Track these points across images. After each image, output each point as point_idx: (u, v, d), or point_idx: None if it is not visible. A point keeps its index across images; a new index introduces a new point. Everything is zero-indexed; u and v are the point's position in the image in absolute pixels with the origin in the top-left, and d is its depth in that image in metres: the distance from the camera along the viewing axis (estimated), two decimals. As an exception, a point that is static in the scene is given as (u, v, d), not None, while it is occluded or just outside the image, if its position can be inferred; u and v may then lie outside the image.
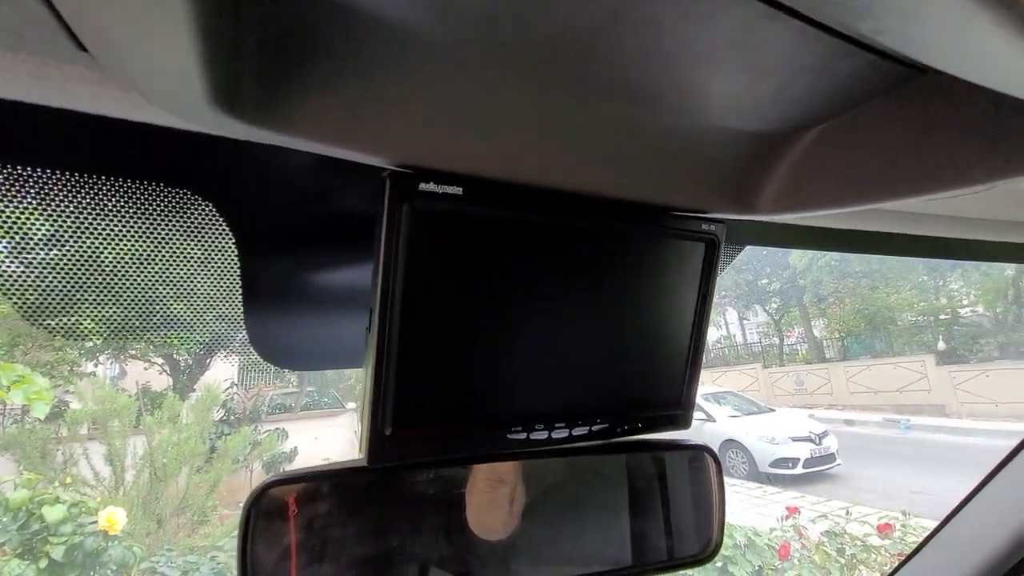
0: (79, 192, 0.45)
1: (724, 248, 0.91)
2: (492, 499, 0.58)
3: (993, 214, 0.75)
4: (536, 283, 0.48)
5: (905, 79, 0.41)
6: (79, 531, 3.76)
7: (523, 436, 0.50)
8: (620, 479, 0.64)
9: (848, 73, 0.40)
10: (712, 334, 26.22)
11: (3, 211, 0.45)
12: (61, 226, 0.49)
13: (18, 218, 0.46)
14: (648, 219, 0.52)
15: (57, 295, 0.52)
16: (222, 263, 0.55)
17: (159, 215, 0.50)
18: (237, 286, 0.56)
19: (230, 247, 0.53)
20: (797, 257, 20.07)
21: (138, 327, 0.58)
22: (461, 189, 0.42)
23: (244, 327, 0.59)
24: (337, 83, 0.34)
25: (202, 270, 0.56)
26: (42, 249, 0.48)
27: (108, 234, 0.49)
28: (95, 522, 3.84)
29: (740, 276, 22.45)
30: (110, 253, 0.51)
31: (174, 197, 0.49)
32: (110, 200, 0.47)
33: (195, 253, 0.54)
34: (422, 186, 0.41)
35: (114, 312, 0.56)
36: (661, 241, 0.54)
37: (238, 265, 0.54)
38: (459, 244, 0.44)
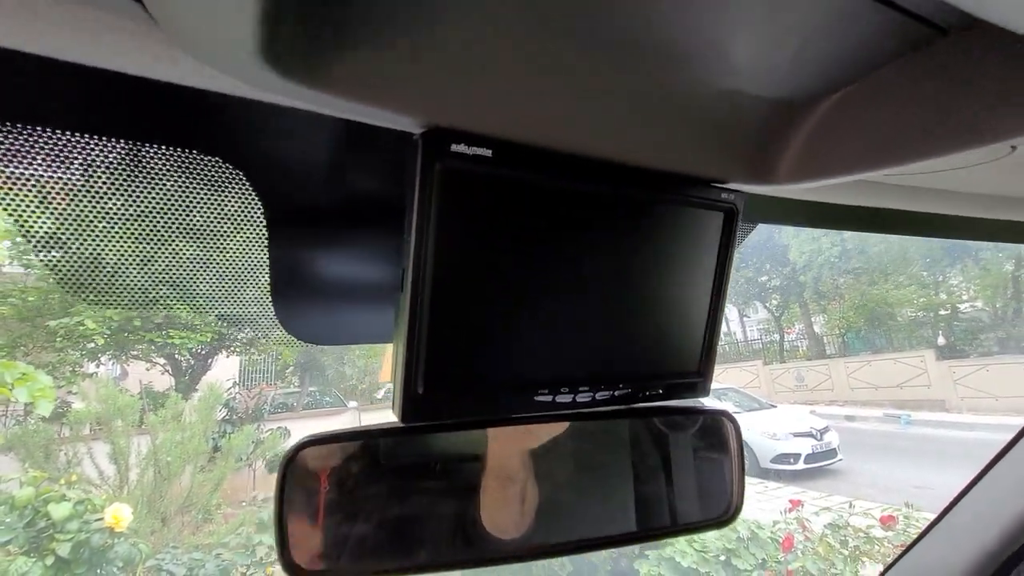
0: (109, 155, 0.46)
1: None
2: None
3: (1009, 190, 0.76)
4: (560, 247, 0.49)
5: (927, 40, 0.42)
6: (85, 528, 3.77)
7: (549, 399, 0.51)
8: (642, 444, 0.65)
9: (871, 34, 0.41)
10: (712, 331, 26.13)
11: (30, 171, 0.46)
12: (84, 189, 0.49)
13: (45, 181, 0.47)
14: (669, 187, 0.53)
15: (85, 263, 0.52)
16: (250, 234, 0.56)
17: (190, 182, 0.51)
18: (264, 258, 0.57)
19: (259, 218, 0.54)
20: (797, 253, 20.08)
21: (162, 298, 0.58)
22: (491, 152, 0.43)
23: (271, 301, 0.60)
24: (373, 41, 0.35)
25: (230, 241, 0.57)
26: (65, 216, 0.49)
27: (136, 199, 0.50)
28: (101, 519, 3.84)
29: (740, 273, 22.46)
30: (138, 219, 0.52)
31: (205, 165, 0.50)
32: (140, 164, 0.48)
33: (223, 225, 0.55)
34: (453, 147, 0.42)
35: (138, 283, 0.57)
36: (681, 209, 0.55)
37: (266, 236, 0.55)
38: (488, 206, 0.45)
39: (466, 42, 0.37)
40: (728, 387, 12.75)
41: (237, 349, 11.92)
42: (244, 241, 0.56)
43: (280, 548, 0.47)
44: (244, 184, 0.52)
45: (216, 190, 0.52)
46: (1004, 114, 0.41)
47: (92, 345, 9.97)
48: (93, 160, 0.46)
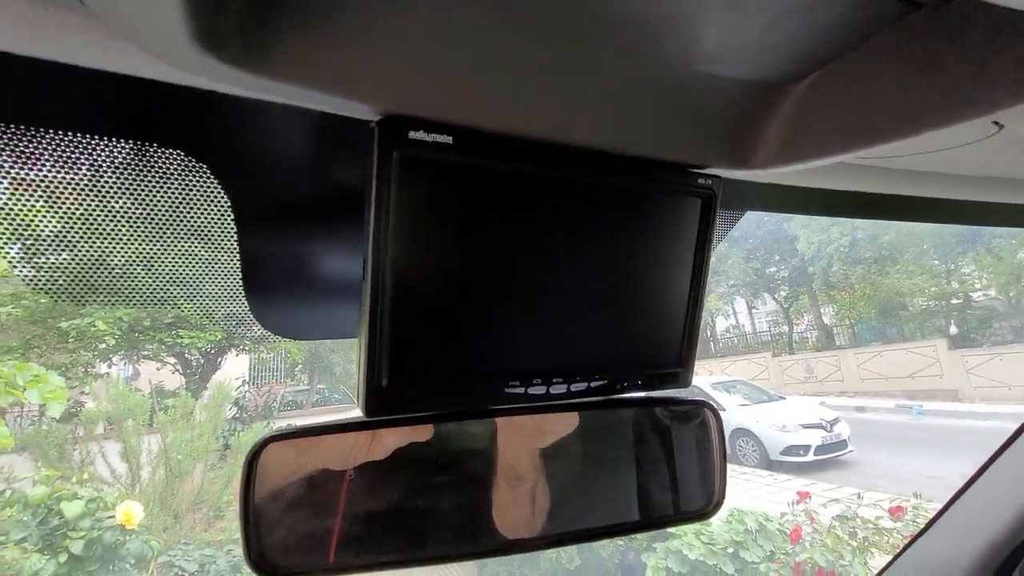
0: (71, 151, 0.46)
1: (724, 214, 0.91)
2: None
3: (1000, 170, 0.74)
4: (529, 236, 0.48)
5: (899, 16, 0.41)
6: (97, 526, 3.83)
7: (521, 391, 0.50)
8: (622, 436, 0.64)
9: (845, 11, 0.39)
10: (720, 323, 26.10)
11: None
12: (49, 186, 0.49)
13: (10, 179, 0.47)
14: (642, 173, 0.52)
15: (63, 266, 0.52)
16: (219, 230, 0.56)
17: (154, 177, 0.51)
18: (235, 254, 0.56)
19: (227, 213, 0.54)
20: (806, 244, 19.88)
21: (134, 297, 0.58)
22: (451, 138, 0.42)
23: (244, 297, 0.59)
24: (324, 26, 0.34)
25: (199, 238, 0.56)
26: (35, 211, 0.49)
27: (100, 194, 0.50)
28: (113, 517, 3.90)
29: (748, 264, 22.30)
30: (104, 216, 0.52)
31: (168, 158, 0.50)
32: (103, 159, 0.47)
33: (192, 219, 0.54)
34: (412, 134, 0.41)
35: (107, 282, 0.56)
36: (656, 196, 0.54)
37: (235, 231, 0.55)
38: (450, 194, 0.44)
39: (423, 24, 0.36)
40: (736, 379, 12.69)
41: (246, 347, 12.05)
42: (214, 236, 0.56)
43: (246, 546, 0.47)
44: (208, 177, 0.52)
45: (180, 184, 0.52)
46: (982, 88, 0.40)
47: (103, 345, 10.11)
48: (42, 154, 0.45)
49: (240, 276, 0.57)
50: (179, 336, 10.26)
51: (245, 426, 8.76)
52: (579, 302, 0.52)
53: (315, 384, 14.05)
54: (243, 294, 0.59)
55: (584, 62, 0.43)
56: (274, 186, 0.55)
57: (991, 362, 14.01)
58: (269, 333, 0.63)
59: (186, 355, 11.25)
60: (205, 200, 0.53)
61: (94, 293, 0.56)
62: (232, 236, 0.55)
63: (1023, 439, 1.20)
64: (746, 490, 7.76)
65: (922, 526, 1.31)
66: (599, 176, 0.50)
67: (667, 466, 0.65)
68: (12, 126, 0.43)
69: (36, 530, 3.85)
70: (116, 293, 0.57)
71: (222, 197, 0.53)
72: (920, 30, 0.41)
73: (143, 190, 0.51)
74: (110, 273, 0.55)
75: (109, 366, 10.94)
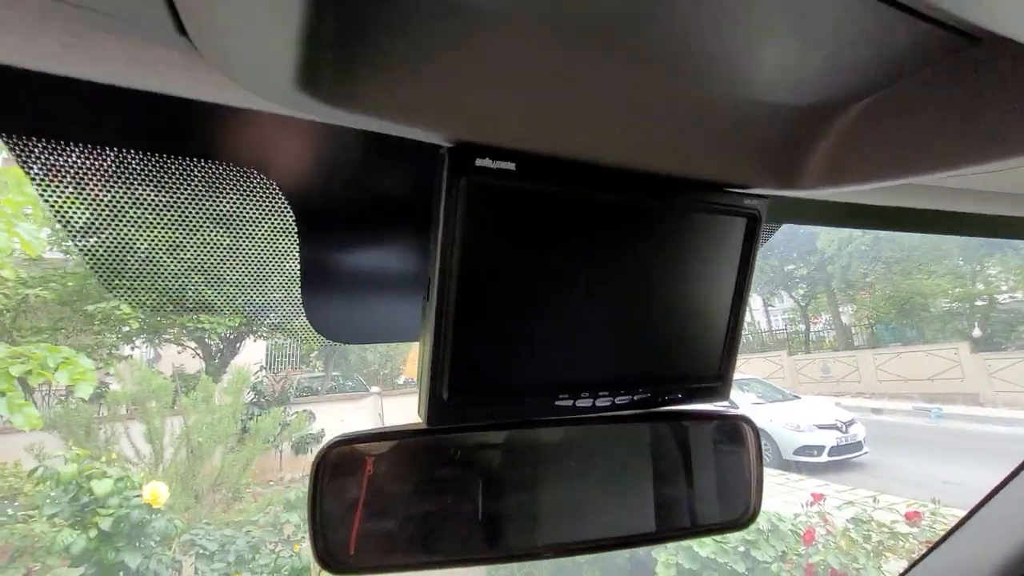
0: (152, 170, 0.49)
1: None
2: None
3: None
4: (582, 255, 0.50)
5: (955, 49, 0.41)
6: (125, 504, 3.97)
7: (570, 403, 0.52)
8: (662, 448, 0.66)
9: (901, 42, 0.40)
10: (735, 321, 25.74)
11: (83, 189, 0.49)
12: (128, 203, 0.52)
13: (93, 196, 0.50)
14: (691, 194, 0.53)
15: (132, 272, 0.56)
16: (282, 241, 0.58)
17: (228, 194, 0.53)
18: (296, 262, 0.59)
19: (290, 225, 0.56)
20: (826, 242, 19.53)
21: (200, 304, 0.61)
22: (514, 165, 0.44)
23: (300, 301, 0.62)
24: (400, 62, 0.36)
25: (265, 248, 0.59)
26: (114, 227, 0.52)
27: (178, 212, 0.53)
28: (139, 495, 4.04)
29: (766, 262, 21.97)
30: (180, 230, 0.55)
31: (242, 176, 0.52)
32: (183, 178, 0.50)
33: (259, 231, 0.57)
34: (478, 161, 0.43)
35: (177, 288, 0.60)
36: (703, 216, 0.55)
37: (297, 243, 0.57)
38: (511, 217, 0.46)
39: (491, 59, 0.37)
40: (751, 377, 12.58)
41: (264, 334, 12.28)
42: (278, 248, 0.58)
43: (313, 542, 0.50)
44: (277, 193, 0.54)
45: (251, 199, 0.54)
46: None
47: (127, 329, 10.38)
48: (128, 174, 0.48)
49: (299, 286, 0.60)
50: (200, 321, 10.48)
51: (263, 411, 8.95)
52: (625, 318, 0.54)
53: (330, 371, 14.27)
54: (299, 300, 0.62)
55: (639, 90, 0.44)
56: (333, 199, 0.58)
57: (1016, 366, 13.68)
58: (321, 337, 0.66)
59: (206, 340, 11.49)
60: (271, 215, 0.56)
61: (174, 304, 0.59)
62: (293, 248, 0.57)
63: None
64: (758, 489, 7.71)
65: (939, 532, 1.29)
66: (648, 198, 0.51)
67: (707, 478, 0.67)
68: (115, 149, 0.47)
69: (67, 506, 4.01)
70: (198, 302, 0.60)
71: (287, 212, 0.55)
72: (973, 64, 0.42)
73: (218, 207, 0.54)
74: (190, 283, 0.59)
75: (132, 349, 11.24)
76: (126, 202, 0.50)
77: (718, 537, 4.33)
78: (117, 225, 0.52)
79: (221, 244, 0.57)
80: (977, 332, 16.66)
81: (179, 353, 11.90)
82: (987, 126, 0.42)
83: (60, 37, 0.32)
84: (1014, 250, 16.43)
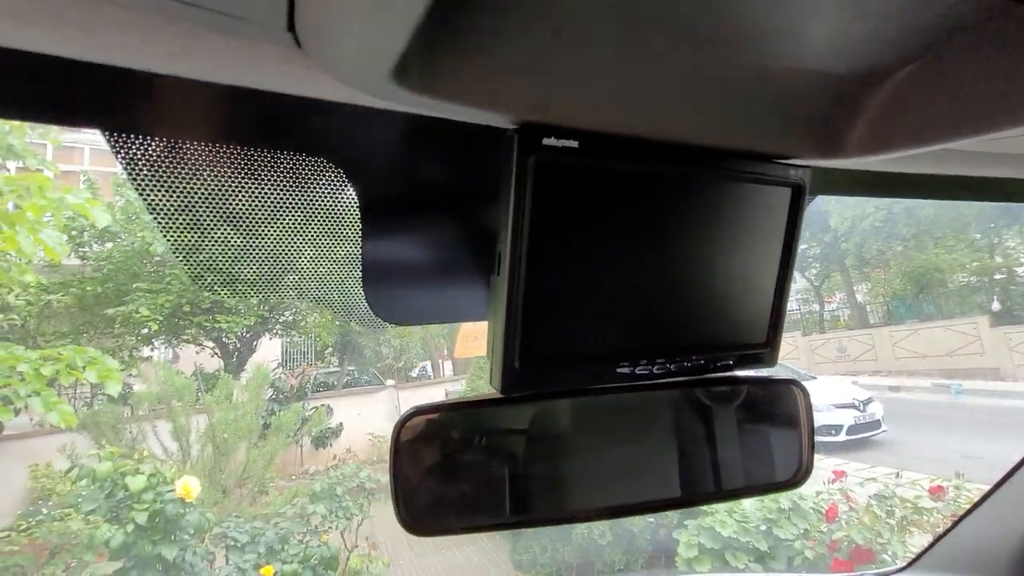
0: (239, 163, 0.51)
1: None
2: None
3: None
4: (638, 227, 0.52)
5: (1002, 10, 0.42)
6: (159, 499, 4.09)
7: (629, 371, 0.55)
8: (715, 412, 0.68)
9: (950, 4, 0.41)
10: (748, 303, 25.56)
11: (171, 178, 0.52)
12: (209, 192, 0.55)
13: (182, 186, 0.53)
14: (741, 166, 0.55)
15: (213, 255, 0.59)
16: (346, 226, 0.61)
17: (297, 182, 0.56)
18: (357, 248, 0.62)
19: (354, 210, 0.59)
20: (839, 220, 19.26)
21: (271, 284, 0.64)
22: (577, 143, 0.46)
23: (361, 286, 0.65)
24: (474, 48, 0.38)
25: (329, 234, 0.62)
26: (199, 214, 0.55)
27: (254, 200, 0.56)
28: (172, 490, 4.16)
29: (777, 242, 21.65)
30: (254, 218, 0.58)
31: (311, 165, 0.55)
32: (257, 168, 0.53)
33: (324, 218, 0.60)
34: (545, 141, 0.45)
35: (253, 272, 0.63)
36: (752, 187, 0.56)
37: (359, 228, 0.60)
38: (574, 193, 0.48)
39: (562, 44, 0.39)
40: (765, 359, 12.49)
41: (279, 332, 12.43)
42: (341, 232, 0.61)
43: (396, 507, 0.53)
44: (344, 181, 0.57)
45: (320, 187, 0.57)
46: None
47: (146, 331, 10.57)
48: (209, 165, 0.51)
49: (360, 269, 0.63)
50: (217, 320, 10.64)
51: (282, 406, 9.10)
52: (680, 287, 0.56)
53: (345, 366, 14.43)
54: (359, 284, 0.65)
55: (697, 67, 0.45)
56: (395, 185, 0.60)
57: (1037, 339, 13.48)
58: (379, 320, 0.69)
59: (223, 339, 11.66)
60: (336, 201, 0.59)
61: (247, 287, 0.63)
62: (356, 233, 0.60)
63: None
64: (777, 469, 7.72)
65: (964, 507, 1.30)
66: (700, 170, 0.53)
67: (759, 439, 0.69)
68: (209, 144, 0.49)
69: (104, 503, 4.13)
70: (268, 286, 0.63)
71: (351, 198, 0.58)
72: (1016, 25, 0.43)
73: (290, 195, 0.56)
74: (262, 266, 0.62)
75: (151, 350, 11.44)
76: (217, 195, 0.53)
77: (739, 516, 4.36)
78: (214, 219, 0.55)
79: (297, 231, 0.60)
80: (996, 306, 16.39)
81: (197, 353, 12.09)
82: None
83: (176, 39, 0.34)
84: (1033, 221, 16.09)
